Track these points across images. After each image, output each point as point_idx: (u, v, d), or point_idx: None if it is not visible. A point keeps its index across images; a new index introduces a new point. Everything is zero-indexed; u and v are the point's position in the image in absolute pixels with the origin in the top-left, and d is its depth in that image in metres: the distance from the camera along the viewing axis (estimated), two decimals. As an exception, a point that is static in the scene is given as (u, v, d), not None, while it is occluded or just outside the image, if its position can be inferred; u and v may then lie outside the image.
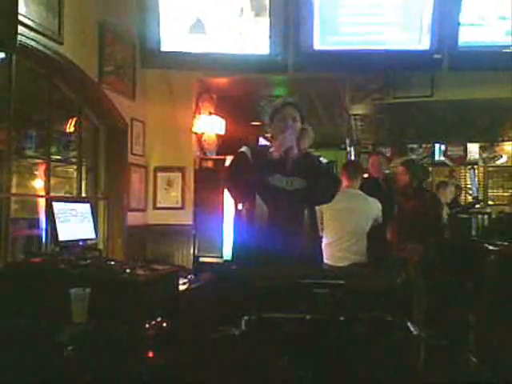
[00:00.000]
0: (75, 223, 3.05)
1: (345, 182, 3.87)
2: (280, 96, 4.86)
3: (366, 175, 4.73)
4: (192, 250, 4.55)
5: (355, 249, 3.71)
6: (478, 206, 7.60)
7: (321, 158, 2.70)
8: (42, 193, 3.41)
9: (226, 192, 4.62)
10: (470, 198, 8.59)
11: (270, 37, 3.68)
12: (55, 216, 2.86)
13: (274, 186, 2.49)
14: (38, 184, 3.51)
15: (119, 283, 2.60)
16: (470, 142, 8.64)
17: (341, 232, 3.74)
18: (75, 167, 3.87)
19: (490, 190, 9.05)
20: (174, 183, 4.60)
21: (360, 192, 3.93)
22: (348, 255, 3.69)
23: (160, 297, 2.82)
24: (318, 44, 3.73)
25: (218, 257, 4.53)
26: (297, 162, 2.53)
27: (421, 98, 4.71)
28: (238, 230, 2.70)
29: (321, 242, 3.51)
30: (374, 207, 3.89)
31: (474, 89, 4.50)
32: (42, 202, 3.40)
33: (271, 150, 2.53)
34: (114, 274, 2.71)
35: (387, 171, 5.41)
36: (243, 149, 2.60)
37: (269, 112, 2.70)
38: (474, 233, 5.58)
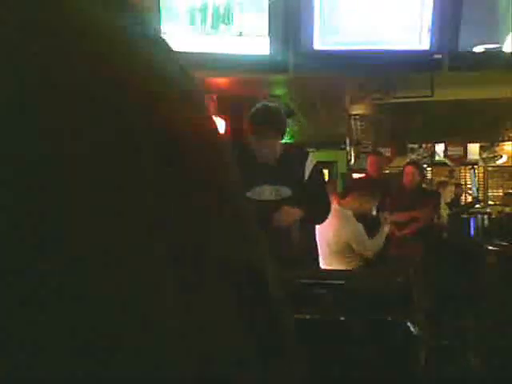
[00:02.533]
0: (75, 223, 3.05)
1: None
2: (279, 96, 4.87)
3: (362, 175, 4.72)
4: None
5: (354, 264, 3.64)
6: (477, 205, 7.62)
7: (308, 162, 2.38)
8: (42, 193, 3.42)
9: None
10: (469, 198, 8.60)
11: (270, 37, 3.68)
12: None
13: (255, 201, 2.21)
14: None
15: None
16: (470, 142, 8.65)
17: (330, 256, 3.62)
18: (75, 167, 3.87)
19: (489, 190, 9.06)
20: (174, 183, 4.60)
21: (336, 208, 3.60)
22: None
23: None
24: (318, 44, 3.73)
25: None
26: (278, 167, 2.32)
27: (421, 98, 4.71)
28: None
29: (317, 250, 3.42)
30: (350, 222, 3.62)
31: (473, 89, 4.50)
32: (41, 202, 3.40)
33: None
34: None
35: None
36: None
37: (250, 113, 2.46)
38: (473, 233, 5.59)
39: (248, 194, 2.22)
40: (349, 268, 3.57)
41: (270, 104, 2.51)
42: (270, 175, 2.28)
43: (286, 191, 2.28)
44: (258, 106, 2.49)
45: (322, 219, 2.56)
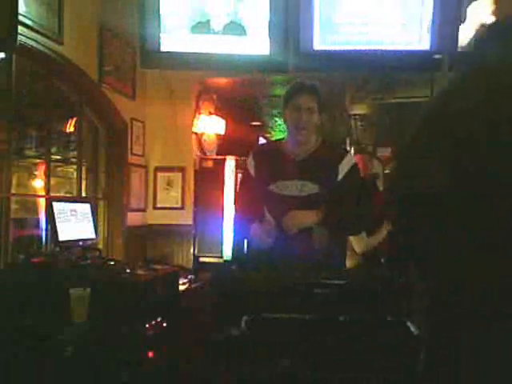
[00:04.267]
0: (75, 223, 3.05)
1: None
2: (279, 96, 4.86)
3: None
4: (192, 250, 4.54)
5: (352, 262, 3.63)
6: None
7: (344, 161, 2.20)
8: (42, 193, 3.41)
9: (225, 192, 4.62)
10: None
11: (270, 37, 3.68)
12: (55, 216, 2.86)
13: (278, 194, 2.16)
14: (38, 184, 3.51)
15: (119, 283, 2.60)
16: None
17: None
18: (75, 167, 3.87)
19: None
20: (174, 183, 4.60)
21: None
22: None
23: (160, 297, 2.82)
24: (318, 44, 3.73)
25: (218, 257, 4.52)
26: (307, 162, 2.21)
27: (421, 97, 4.71)
28: (237, 229, 2.49)
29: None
30: None
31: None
32: (42, 202, 3.40)
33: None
34: (114, 274, 2.71)
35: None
36: (248, 160, 2.28)
37: (283, 97, 2.27)
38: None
39: (270, 188, 2.16)
40: (348, 265, 3.59)
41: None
42: (298, 170, 2.17)
43: (312, 188, 2.15)
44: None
45: (354, 227, 2.35)
